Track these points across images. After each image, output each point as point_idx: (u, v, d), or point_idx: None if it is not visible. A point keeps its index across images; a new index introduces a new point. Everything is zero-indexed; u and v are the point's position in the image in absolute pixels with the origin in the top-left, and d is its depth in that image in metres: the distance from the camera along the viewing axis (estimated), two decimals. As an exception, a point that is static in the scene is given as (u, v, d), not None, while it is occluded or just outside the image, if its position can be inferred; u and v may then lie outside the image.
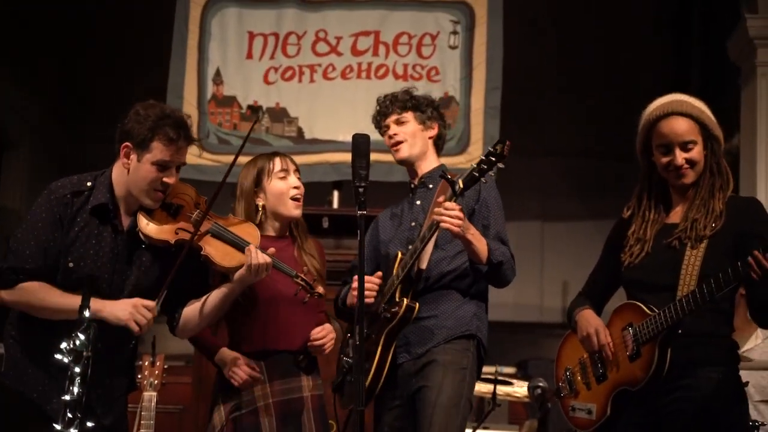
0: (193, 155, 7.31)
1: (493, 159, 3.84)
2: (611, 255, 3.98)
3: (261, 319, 4.10)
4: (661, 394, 3.67)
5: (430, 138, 4.46)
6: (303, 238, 4.28)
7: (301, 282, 3.95)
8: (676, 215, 3.82)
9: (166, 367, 5.13)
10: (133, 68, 8.60)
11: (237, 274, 3.88)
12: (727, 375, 3.70)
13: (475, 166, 3.89)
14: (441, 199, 4.00)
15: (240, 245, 3.89)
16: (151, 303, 3.67)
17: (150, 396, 4.85)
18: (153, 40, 8.26)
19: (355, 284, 4.18)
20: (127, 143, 3.77)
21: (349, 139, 3.86)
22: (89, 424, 3.19)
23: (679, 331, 3.63)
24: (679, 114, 3.77)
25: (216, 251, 3.87)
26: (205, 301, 3.93)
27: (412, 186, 4.48)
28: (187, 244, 3.78)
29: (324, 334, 4.15)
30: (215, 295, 3.92)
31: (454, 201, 3.94)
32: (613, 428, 3.81)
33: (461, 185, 3.92)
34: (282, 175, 4.21)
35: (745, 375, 4.97)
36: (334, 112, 7.53)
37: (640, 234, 3.85)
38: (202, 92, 7.63)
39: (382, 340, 4.14)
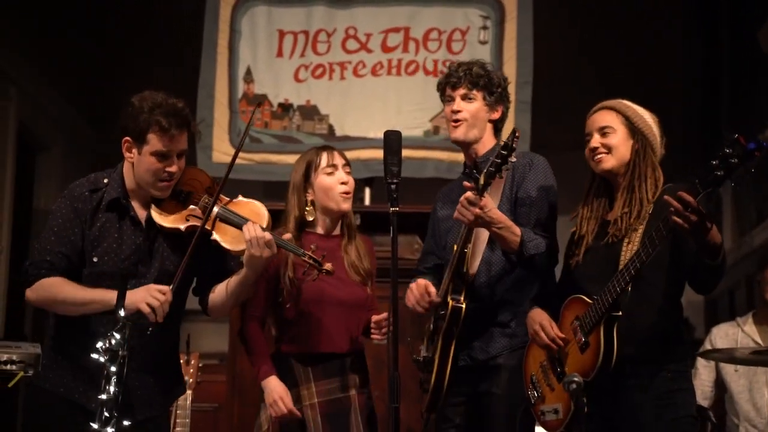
0: (225, 153, 7.43)
1: (505, 152, 3.77)
2: (568, 266, 4.05)
3: (307, 322, 4.11)
4: (617, 392, 3.73)
5: (491, 121, 4.33)
6: (348, 239, 4.27)
7: (308, 260, 3.92)
8: (614, 212, 3.90)
9: (200, 365, 5.16)
10: (163, 68, 8.62)
11: (244, 258, 3.86)
12: (677, 375, 3.78)
13: (491, 159, 3.83)
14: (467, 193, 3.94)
15: None
16: (165, 287, 3.68)
17: (185, 395, 4.88)
18: (182, 40, 8.29)
19: (416, 291, 4.16)
20: (127, 138, 3.82)
21: (380, 135, 3.86)
22: (126, 423, 3.20)
23: (620, 313, 3.67)
24: (605, 107, 3.99)
25: (224, 236, 3.87)
26: (227, 283, 3.93)
27: (467, 171, 4.35)
28: (197, 230, 3.80)
29: (383, 320, 4.13)
30: (233, 281, 3.92)
31: (476, 195, 3.86)
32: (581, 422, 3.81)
33: (483, 181, 3.86)
34: (329, 170, 4.21)
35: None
36: (365, 109, 7.53)
37: (581, 232, 3.97)
38: (233, 91, 7.64)
39: (440, 340, 4.10)
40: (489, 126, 4.32)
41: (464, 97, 4.28)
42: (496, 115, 4.33)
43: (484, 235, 4.08)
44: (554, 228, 4.17)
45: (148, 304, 3.64)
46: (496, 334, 4.17)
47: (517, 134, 3.79)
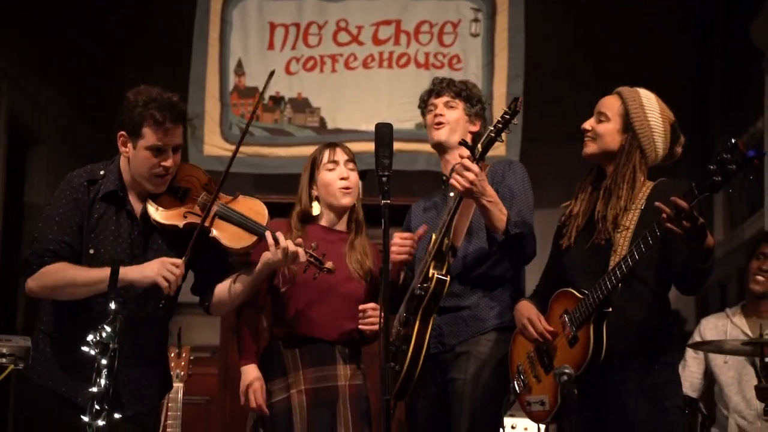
0: (216, 147, 7.43)
1: (508, 117, 3.90)
2: (558, 246, 4.03)
3: (297, 306, 4.15)
4: (605, 385, 3.72)
5: (470, 132, 4.44)
6: (355, 235, 4.32)
7: (309, 258, 3.96)
8: (598, 209, 3.87)
9: (192, 358, 5.16)
10: (157, 64, 8.60)
11: (266, 259, 3.91)
12: (665, 367, 3.77)
13: (492, 128, 3.95)
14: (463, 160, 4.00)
15: (247, 225, 3.93)
16: (178, 260, 3.71)
17: (176, 387, 4.88)
18: (176, 35, 8.26)
19: (395, 239, 4.21)
20: (122, 132, 3.81)
21: (371, 128, 3.86)
22: (116, 415, 3.19)
23: (610, 309, 3.65)
24: (617, 93, 3.95)
25: (224, 233, 3.90)
26: (234, 281, 3.97)
27: (444, 178, 4.44)
28: (196, 228, 3.81)
29: (373, 309, 4.16)
30: (243, 277, 3.97)
31: (473, 161, 3.95)
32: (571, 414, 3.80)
33: (480, 148, 3.96)
34: (331, 166, 4.28)
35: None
36: (357, 102, 7.55)
37: (573, 210, 3.96)
38: (224, 84, 7.65)
39: (418, 319, 4.11)
40: (469, 137, 4.40)
41: (446, 105, 4.47)
42: (475, 128, 4.47)
43: (464, 222, 4.17)
44: (532, 225, 4.20)
45: (164, 278, 3.68)
46: (469, 320, 4.23)
47: (519, 100, 3.92)
